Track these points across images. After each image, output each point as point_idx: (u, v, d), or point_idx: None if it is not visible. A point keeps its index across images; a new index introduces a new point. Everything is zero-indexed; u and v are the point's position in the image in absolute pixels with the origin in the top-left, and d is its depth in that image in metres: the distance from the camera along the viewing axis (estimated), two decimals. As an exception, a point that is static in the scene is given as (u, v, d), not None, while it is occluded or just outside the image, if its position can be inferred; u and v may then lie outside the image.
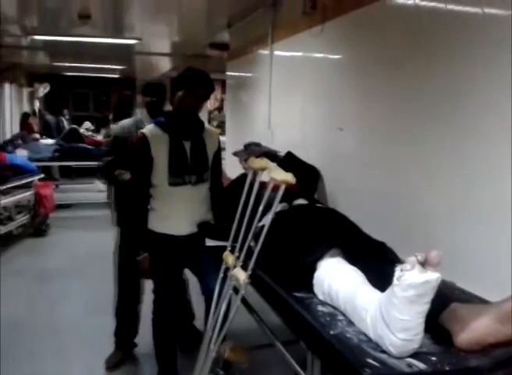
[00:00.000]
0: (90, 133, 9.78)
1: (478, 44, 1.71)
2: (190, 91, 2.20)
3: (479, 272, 1.71)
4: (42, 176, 6.22)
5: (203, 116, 2.64)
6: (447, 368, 1.19)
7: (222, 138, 4.37)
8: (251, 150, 2.96)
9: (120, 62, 8.94)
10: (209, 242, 2.29)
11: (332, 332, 1.35)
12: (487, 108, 1.66)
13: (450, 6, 1.85)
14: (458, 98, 1.79)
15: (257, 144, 2.73)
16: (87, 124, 10.39)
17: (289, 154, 2.96)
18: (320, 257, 1.61)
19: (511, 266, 1.56)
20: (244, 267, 1.77)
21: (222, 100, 11.32)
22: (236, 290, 1.87)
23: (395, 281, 1.18)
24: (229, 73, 5.24)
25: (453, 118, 1.83)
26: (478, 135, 1.71)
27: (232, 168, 4.19)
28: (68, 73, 10.95)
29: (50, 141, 7.52)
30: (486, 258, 1.68)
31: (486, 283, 1.65)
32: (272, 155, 2.68)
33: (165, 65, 8.82)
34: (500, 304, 1.29)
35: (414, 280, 1.14)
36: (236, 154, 3.15)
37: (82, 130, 8.99)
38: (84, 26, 5.05)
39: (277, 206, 1.71)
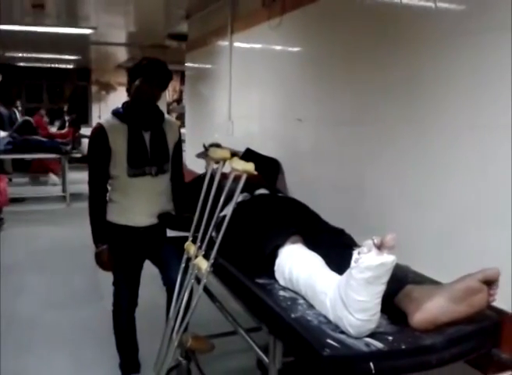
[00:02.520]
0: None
1: (437, 34, 1.76)
2: (146, 80, 2.19)
3: (432, 255, 1.79)
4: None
5: (162, 107, 2.62)
6: (403, 346, 1.25)
7: (182, 130, 4.36)
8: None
9: (75, 53, 8.71)
10: (170, 233, 2.30)
11: (293, 315, 1.38)
12: (448, 98, 1.71)
13: None
14: (416, 89, 1.85)
15: (218, 145, 2.76)
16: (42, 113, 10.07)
17: (248, 150, 3.00)
18: (281, 244, 1.64)
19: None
20: (206, 257, 1.79)
21: (181, 92, 11.22)
22: (198, 279, 1.89)
23: (352, 264, 1.23)
24: (188, 64, 5.20)
25: (410, 108, 1.89)
26: (437, 124, 1.77)
27: (192, 160, 4.19)
28: (21, 64, 10.58)
29: (2, 134, 7.26)
30: (439, 243, 1.76)
31: (438, 267, 1.73)
32: (232, 153, 2.71)
33: (121, 55, 8.65)
34: (452, 285, 1.36)
35: (370, 263, 1.19)
36: (199, 156, 3.16)
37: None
38: (38, 15, 4.90)
39: (238, 196, 1.73)
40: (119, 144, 2.22)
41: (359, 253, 1.21)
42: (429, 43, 1.79)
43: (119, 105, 2.33)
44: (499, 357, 1.42)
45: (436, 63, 1.75)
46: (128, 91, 2.28)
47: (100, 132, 2.23)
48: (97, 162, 2.26)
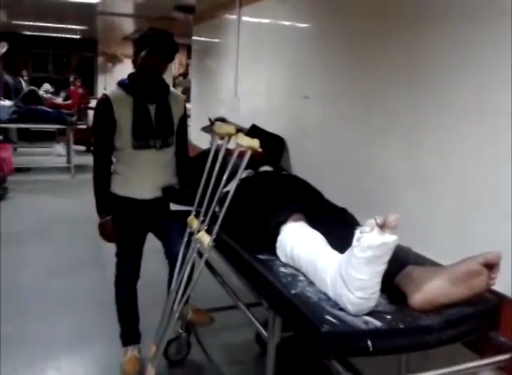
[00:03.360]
0: (49, 95, 9.45)
1: (447, 15, 1.73)
2: (152, 51, 2.16)
3: (435, 237, 1.79)
4: (0, 138, 6.04)
5: (168, 81, 2.60)
6: (401, 326, 1.26)
7: (187, 105, 4.33)
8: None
9: (82, 23, 8.62)
10: (174, 207, 2.30)
11: (293, 291, 1.39)
12: (456, 79, 1.69)
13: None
14: (425, 67, 1.82)
15: (223, 119, 2.73)
16: (47, 86, 10.02)
17: (253, 127, 2.98)
18: (283, 221, 1.64)
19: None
20: (209, 231, 1.79)
21: (187, 65, 11.12)
22: (200, 254, 1.90)
23: (354, 242, 1.23)
24: (194, 38, 5.14)
25: (419, 87, 1.86)
26: (444, 103, 1.75)
27: (197, 135, 4.18)
28: (27, 32, 10.49)
29: (8, 103, 7.24)
30: (442, 225, 1.76)
31: (441, 249, 1.73)
32: (237, 129, 2.70)
33: (128, 27, 8.56)
34: (453, 267, 1.36)
35: (372, 242, 1.19)
36: (204, 129, 3.15)
37: (41, 92, 8.68)
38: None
39: (242, 173, 1.73)
40: (124, 115, 2.21)
41: (361, 232, 1.22)
42: (438, 24, 1.76)
43: (125, 78, 2.32)
44: (497, 340, 1.43)
45: (444, 44, 1.72)
46: (134, 62, 2.25)
47: (105, 103, 2.21)
48: (102, 133, 2.25)
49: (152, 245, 2.46)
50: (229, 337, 2.83)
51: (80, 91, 8.97)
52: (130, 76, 2.29)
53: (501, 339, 1.42)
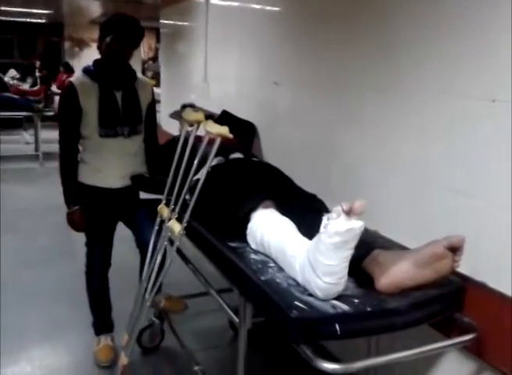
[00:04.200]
0: (15, 81, 9.20)
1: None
2: (117, 38, 2.12)
3: (400, 221, 1.82)
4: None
5: (137, 66, 2.53)
6: (368, 309, 1.28)
7: (157, 90, 4.26)
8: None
9: (47, 7, 8.39)
10: (143, 195, 2.28)
11: (263, 278, 1.40)
12: (420, 62, 1.71)
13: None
14: (394, 49, 1.84)
15: (192, 105, 2.71)
16: (13, 72, 9.76)
17: (224, 112, 2.96)
18: (253, 208, 1.65)
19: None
20: (179, 219, 1.79)
21: (156, 49, 10.95)
22: (171, 241, 1.90)
23: (322, 229, 1.24)
24: (163, 21, 5.06)
25: (389, 69, 1.88)
26: (408, 91, 1.77)
27: (167, 121, 4.13)
28: (-10, 18, 10.16)
29: (-28, 90, 7.04)
30: (408, 208, 1.79)
31: (406, 232, 1.77)
32: (207, 116, 2.69)
33: (95, 10, 8.37)
34: (418, 250, 1.40)
35: (339, 228, 1.20)
36: (172, 116, 3.11)
37: (7, 79, 8.46)
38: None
39: (213, 160, 1.72)
40: (89, 103, 2.17)
41: (328, 219, 1.23)
42: (406, 7, 1.77)
43: (90, 64, 2.27)
44: (462, 321, 1.47)
45: (413, 24, 1.74)
46: (99, 48, 2.21)
47: (70, 90, 2.16)
48: (68, 121, 2.21)
49: (124, 231, 2.44)
50: (202, 322, 2.84)
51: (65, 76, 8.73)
52: (96, 62, 2.24)
53: (465, 320, 1.47)
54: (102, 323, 2.50)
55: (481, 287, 1.48)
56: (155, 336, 2.58)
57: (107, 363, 2.39)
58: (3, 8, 8.48)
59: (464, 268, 1.45)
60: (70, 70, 8.82)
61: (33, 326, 2.75)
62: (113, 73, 2.19)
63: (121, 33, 2.11)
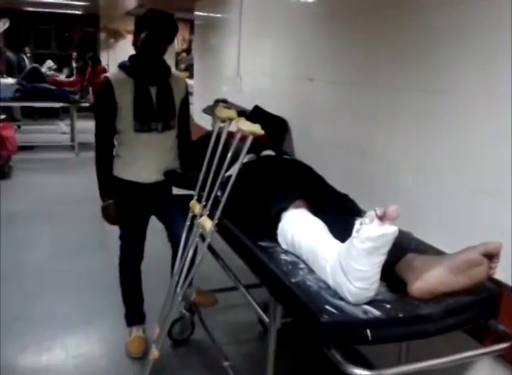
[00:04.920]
0: (52, 72, 9.40)
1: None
2: (152, 34, 2.14)
3: (435, 224, 1.79)
4: (3, 117, 6.02)
5: (170, 58, 2.55)
6: (400, 315, 1.26)
7: (190, 82, 4.27)
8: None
9: (84, -1, 8.52)
10: (175, 191, 2.30)
11: (293, 279, 1.40)
12: (459, 61, 1.66)
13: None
14: (432, 51, 1.79)
15: (225, 101, 2.70)
16: (49, 63, 9.97)
17: (256, 108, 2.95)
18: (285, 208, 1.64)
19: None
20: (211, 216, 1.80)
21: (190, 41, 10.98)
22: (202, 237, 1.91)
23: (354, 234, 1.23)
24: (197, 13, 5.07)
25: (423, 72, 1.84)
26: (448, 92, 1.73)
27: (200, 114, 4.15)
28: (29, 8, 10.36)
29: (11, 81, 7.21)
30: (443, 212, 1.75)
31: (441, 235, 1.73)
32: (240, 112, 2.69)
33: (130, 2, 8.42)
34: (453, 256, 1.36)
35: (371, 234, 1.19)
36: (205, 111, 3.12)
37: (44, 69, 8.64)
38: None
39: (244, 157, 1.72)
40: (125, 98, 2.20)
41: (361, 223, 1.21)
42: (443, 7, 1.72)
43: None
44: (496, 328, 1.44)
45: (450, 30, 1.69)
46: (134, 44, 2.23)
47: (106, 86, 2.20)
48: (104, 116, 2.25)
49: (157, 225, 2.47)
50: (232, 316, 2.86)
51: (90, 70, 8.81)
52: (131, 58, 2.27)
53: (500, 327, 1.43)
54: (134, 314, 2.54)
55: (518, 294, 1.44)
56: (186, 329, 2.61)
57: (138, 355, 2.44)
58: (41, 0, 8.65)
59: (499, 273, 1.41)
60: (97, 61, 8.87)
61: (67, 315, 2.82)
62: (148, 68, 2.22)
63: (155, 29, 2.13)
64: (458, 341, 1.48)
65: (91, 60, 8.93)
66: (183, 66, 10.13)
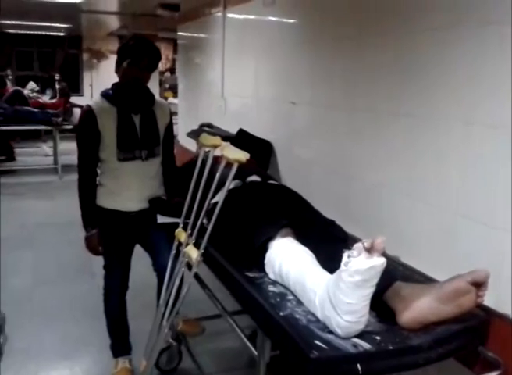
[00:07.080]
0: (35, 94, 9.32)
1: (435, 23, 1.72)
2: (134, 62, 2.12)
3: (422, 249, 1.78)
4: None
5: (154, 77, 2.55)
6: (390, 347, 1.25)
7: (174, 101, 4.26)
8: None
9: (66, 21, 8.49)
10: (160, 219, 2.27)
11: (281, 313, 1.38)
12: (443, 87, 1.68)
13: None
14: (411, 76, 1.81)
15: (209, 125, 2.70)
16: (32, 85, 9.88)
17: (240, 131, 2.96)
18: (272, 237, 1.62)
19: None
20: (197, 245, 1.77)
21: (174, 60, 11.02)
22: (188, 266, 1.88)
23: (342, 267, 1.21)
24: (180, 34, 5.10)
25: (405, 95, 1.85)
26: (426, 116, 1.74)
27: (184, 135, 4.14)
28: (10, 31, 10.33)
29: (-9, 104, 7.14)
30: (429, 236, 1.75)
31: (427, 260, 1.73)
32: (224, 137, 2.70)
33: (113, 23, 8.44)
34: (441, 285, 1.36)
35: (360, 267, 1.18)
36: (190, 135, 3.12)
37: (26, 92, 8.55)
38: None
39: (230, 183, 1.70)
40: (108, 127, 2.17)
41: (349, 256, 1.20)
42: (422, 34, 1.74)
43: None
44: (486, 355, 1.43)
45: (432, 55, 1.71)
46: (117, 72, 2.21)
47: (88, 115, 2.17)
48: (87, 145, 2.22)
49: (141, 251, 2.44)
50: (220, 343, 2.81)
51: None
52: (114, 86, 2.25)
53: (490, 355, 1.42)
54: (120, 345, 2.49)
55: (506, 320, 1.44)
56: (173, 358, 2.56)
57: (125, 387, 2.38)
58: (23, 22, 8.61)
59: (487, 300, 1.41)
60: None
61: (50, 346, 2.75)
62: (131, 97, 2.20)
63: (137, 57, 2.12)
64: (450, 368, 1.47)
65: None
66: (167, 85, 10.14)
